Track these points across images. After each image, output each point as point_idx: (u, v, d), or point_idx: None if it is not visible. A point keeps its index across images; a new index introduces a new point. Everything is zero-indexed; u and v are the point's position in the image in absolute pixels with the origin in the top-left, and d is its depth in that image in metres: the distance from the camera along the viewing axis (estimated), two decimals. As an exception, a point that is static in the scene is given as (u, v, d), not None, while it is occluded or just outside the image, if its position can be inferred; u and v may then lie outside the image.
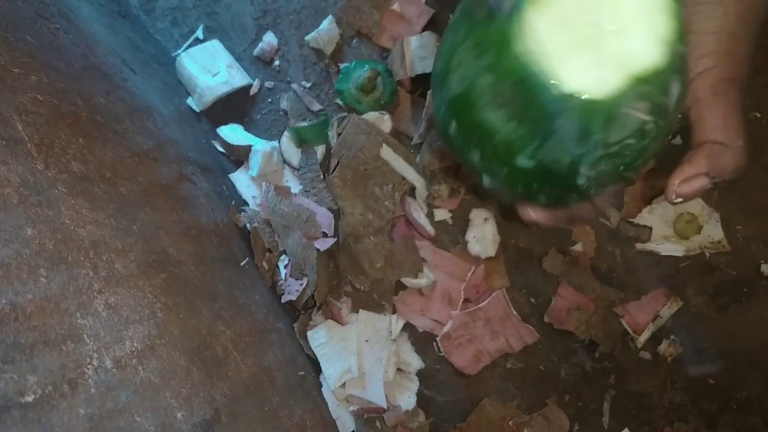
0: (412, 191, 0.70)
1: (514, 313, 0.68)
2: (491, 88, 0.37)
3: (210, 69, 0.72)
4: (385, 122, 0.70)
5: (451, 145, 0.43)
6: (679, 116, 0.38)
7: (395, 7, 0.73)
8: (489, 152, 0.39)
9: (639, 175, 0.66)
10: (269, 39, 0.74)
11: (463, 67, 0.38)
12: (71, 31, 0.56)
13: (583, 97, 0.34)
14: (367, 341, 0.67)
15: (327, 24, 0.72)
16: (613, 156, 0.36)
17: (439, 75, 0.42)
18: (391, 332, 0.68)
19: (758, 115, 0.65)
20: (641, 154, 0.36)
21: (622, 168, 0.37)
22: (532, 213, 0.44)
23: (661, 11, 0.34)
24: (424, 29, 0.72)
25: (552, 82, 0.34)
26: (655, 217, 0.67)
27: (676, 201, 0.39)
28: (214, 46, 0.74)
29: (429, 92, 0.67)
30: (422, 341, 0.70)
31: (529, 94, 0.35)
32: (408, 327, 0.70)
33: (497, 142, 0.38)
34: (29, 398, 0.31)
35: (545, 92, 0.34)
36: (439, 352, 0.69)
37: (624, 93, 0.34)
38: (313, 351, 0.67)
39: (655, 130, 0.35)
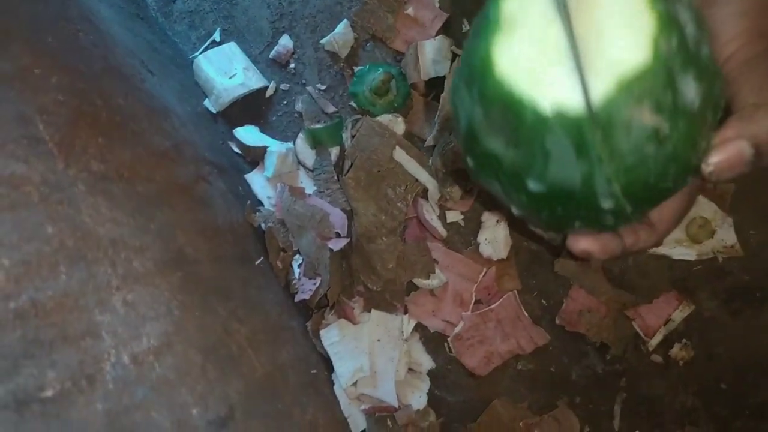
0: (424, 193, 0.70)
1: (525, 314, 0.68)
2: (484, 118, 0.36)
3: (227, 71, 0.74)
4: (398, 125, 0.71)
5: (476, 180, 0.43)
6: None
7: (409, 11, 0.73)
8: (504, 181, 0.38)
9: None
10: (285, 42, 0.75)
11: (462, 104, 0.38)
12: (91, 33, 0.57)
13: (566, 112, 0.32)
14: (378, 341, 0.68)
15: (342, 28, 0.73)
16: (633, 169, 0.33)
17: (453, 116, 0.41)
18: (402, 332, 0.69)
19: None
20: (672, 161, 0.33)
21: (654, 180, 0.34)
22: (582, 243, 0.39)
23: (640, 8, 0.32)
24: (438, 33, 0.72)
25: (531, 101, 0.33)
26: (668, 221, 0.67)
27: (709, 170, 0.34)
28: (231, 48, 0.75)
29: (442, 95, 0.68)
30: (433, 342, 0.70)
31: (514, 117, 0.34)
32: (419, 327, 0.70)
33: (505, 170, 0.37)
34: (48, 393, 0.32)
35: (527, 113, 0.33)
36: (450, 352, 0.70)
37: (613, 98, 0.32)
38: (325, 350, 0.67)
39: (675, 134, 0.32)
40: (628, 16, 0.33)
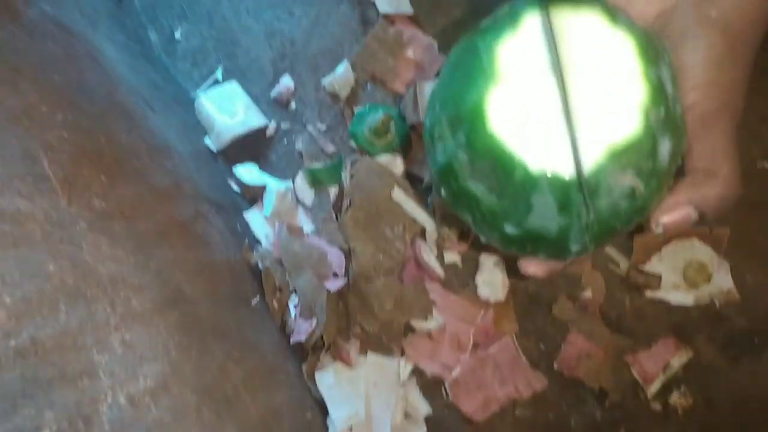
0: (422, 233, 0.70)
1: (524, 359, 0.67)
2: (468, 163, 0.37)
3: (228, 109, 0.74)
4: (397, 165, 0.71)
5: (445, 203, 0.44)
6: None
7: (409, 54, 0.75)
8: (478, 218, 0.40)
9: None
10: (286, 82, 0.76)
11: (443, 141, 0.38)
12: (97, 71, 0.57)
13: (556, 175, 0.34)
14: (375, 385, 0.67)
15: (342, 69, 0.74)
16: (605, 220, 0.35)
17: (427, 138, 0.42)
18: (399, 376, 0.68)
19: (767, 166, 0.66)
20: (637, 212, 0.36)
21: (619, 226, 0.37)
22: (531, 268, 0.45)
23: (635, 78, 0.34)
24: (437, 76, 0.73)
25: (522, 162, 0.34)
26: (665, 265, 0.67)
27: (657, 230, 0.39)
28: (233, 87, 0.76)
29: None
30: (430, 386, 0.69)
31: (503, 173, 0.35)
32: (416, 371, 0.69)
33: (483, 210, 0.38)
34: (45, 434, 0.31)
35: (517, 172, 0.34)
36: (448, 397, 0.69)
37: (602, 166, 0.33)
38: (320, 393, 0.66)
39: (647, 191, 0.35)
40: (622, 83, 0.34)
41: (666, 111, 0.35)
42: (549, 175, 0.34)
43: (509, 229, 0.38)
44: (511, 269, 0.69)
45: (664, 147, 0.35)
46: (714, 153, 0.37)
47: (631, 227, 0.38)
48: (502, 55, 0.35)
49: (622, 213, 0.35)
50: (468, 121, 0.36)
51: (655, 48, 0.35)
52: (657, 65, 0.35)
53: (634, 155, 0.33)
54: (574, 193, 0.34)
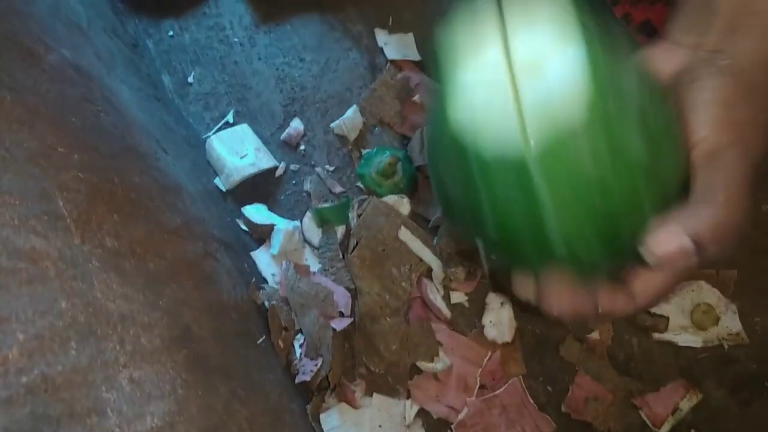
0: (428, 273, 0.71)
1: (531, 401, 0.67)
2: (445, 167, 0.39)
3: (238, 151, 0.76)
4: (404, 205, 0.72)
5: (451, 226, 0.47)
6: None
7: (416, 98, 0.76)
8: (469, 227, 0.41)
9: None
10: (296, 125, 0.78)
11: (432, 156, 0.42)
12: (112, 114, 0.59)
13: (508, 157, 0.35)
14: (380, 427, 0.66)
15: (351, 113, 0.76)
16: (581, 216, 0.35)
17: (431, 171, 0.46)
18: (405, 418, 0.67)
19: (771, 209, 0.66)
20: (624, 214, 0.35)
21: (609, 230, 0.35)
22: (553, 303, 0.41)
23: (579, 75, 0.34)
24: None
25: (476, 148, 0.36)
26: (672, 307, 0.67)
27: (651, 261, 0.36)
28: (243, 129, 0.78)
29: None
30: (436, 428, 0.69)
31: (463, 163, 0.37)
32: (422, 413, 0.69)
33: (468, 219, 0.40)
34: (52, 473, 0.31)
35: (472, 159, 0.36)
36: (454, 439, 0.68)
37: (553, 150, 0.34)
38: (325, 434, 0.66)
39: (616, 183, 0.34)
40: (570, 81, 0.35)
41: (619, 105, 0.35)
42: (501, 158, 0.35)
43: (489, 232, 0.38)
44: (519, 311, 0.69)
45: (629, 140, 0.35)
46: (713, 184, 0.36)
47: (628, 240, 0.36)
48: (461, 72, 0.37)
49: (596, 207, 0.35)
50: (439, 129, 0.39)
51: (615, 49, 0.37)
52: (612, 66, 0.36)
53: (584, 141, 0.34)
54: (531, 174, 0.34)
